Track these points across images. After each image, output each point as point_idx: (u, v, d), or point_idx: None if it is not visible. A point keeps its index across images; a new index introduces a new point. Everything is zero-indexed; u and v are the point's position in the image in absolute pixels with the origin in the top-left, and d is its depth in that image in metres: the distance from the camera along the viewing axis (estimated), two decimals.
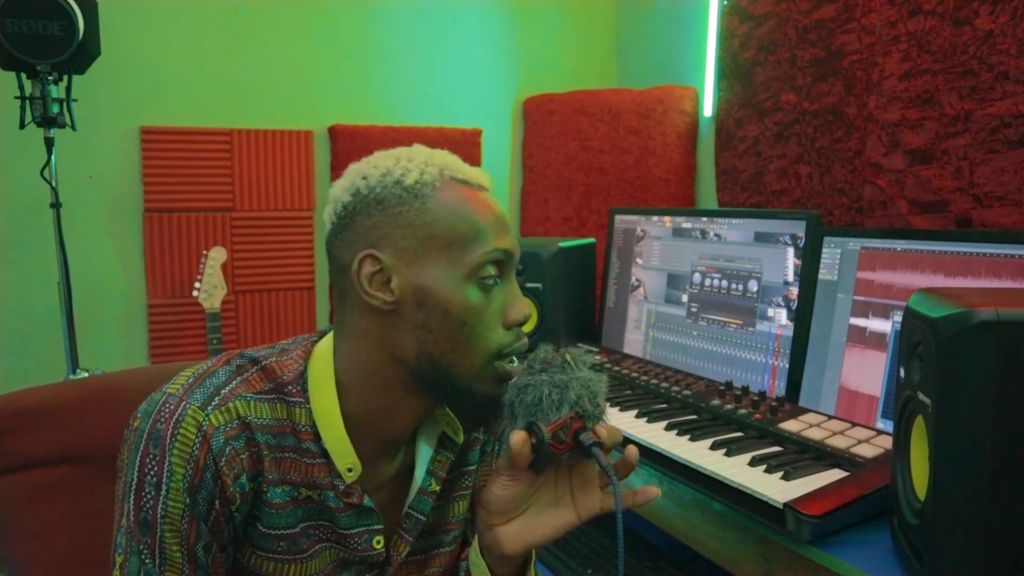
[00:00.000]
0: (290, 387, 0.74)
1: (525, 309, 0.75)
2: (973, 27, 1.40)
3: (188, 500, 0.68)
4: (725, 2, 2.10)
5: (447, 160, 0.75)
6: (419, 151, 0.76)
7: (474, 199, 0.73)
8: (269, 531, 0.74)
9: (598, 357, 1.78)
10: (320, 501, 0.76)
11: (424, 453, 0.84)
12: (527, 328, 1.91)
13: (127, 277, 2.17)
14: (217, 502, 0.70)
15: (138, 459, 0.69)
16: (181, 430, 0.68)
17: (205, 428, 0.69)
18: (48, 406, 0.96)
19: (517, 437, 0.67)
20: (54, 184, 1.82)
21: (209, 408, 0.70)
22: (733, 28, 2.06)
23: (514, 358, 0.75)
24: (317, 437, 0.74)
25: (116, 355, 2.17)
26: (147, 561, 0.69)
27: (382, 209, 0.71)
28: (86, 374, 1.85)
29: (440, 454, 0.84)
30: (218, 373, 0.73)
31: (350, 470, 0.75)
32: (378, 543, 0.79)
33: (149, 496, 0.68)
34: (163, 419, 0.69)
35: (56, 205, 1.83)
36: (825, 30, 1.75)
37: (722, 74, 2.12)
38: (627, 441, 1.25)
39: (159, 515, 0.68)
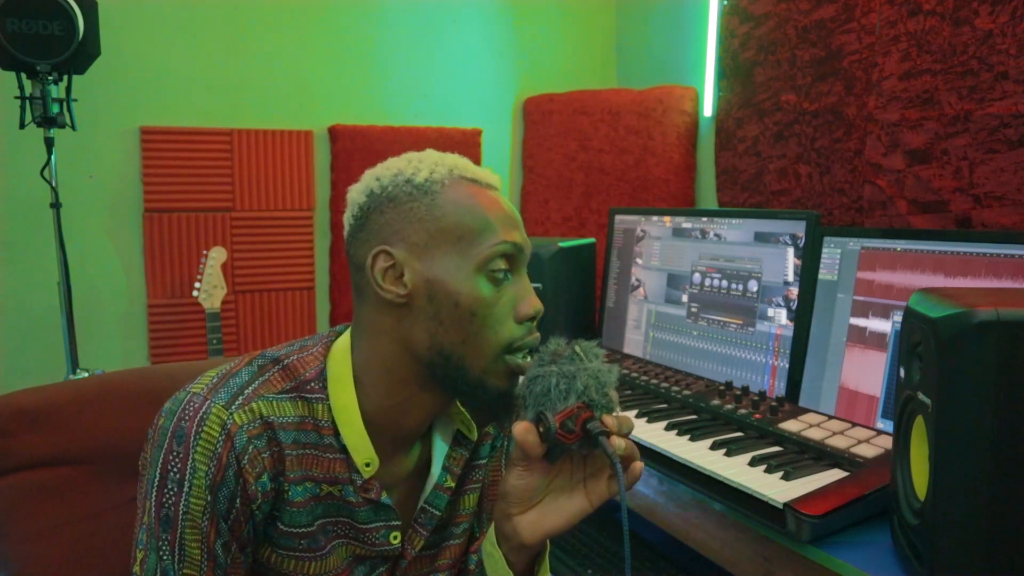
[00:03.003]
0: (312, 384, 0.76)
1: (536, 304, 0.76)
2: (973, 27, 1.40)
3: (209, 497, 0.70)
4: (725, 2, 2.10)
5: (457, 161, 0.78)
6: (430, 154, 0.79)
7: (482, 195, 0.76)
8: (290, 530, 0.76)
9: None
10: (340, 497, 0.78)
11: (440, 449, 0.86)
12: None
13: (127, 277, 2.17)
14: (238, 500, 0.71)
15: (162, 456, 0.70)
16: (205, 428, 0.70)
17: (229, 426, 0.70)
18: (47, 406, 0.95)
19: (519, 427, 0.69)
20: (54, 184, 1.82)
21: (233, 407, 0.71)
22: (733, 28, 2.06)
23: (527, 354, 0.76)
24: (336, 433, 0.76)
25: (116, 355, 2.17)
26: (165, 557, 0.70)
27: (394, 207, 0.75)
28: (86, 374, 1.85)
29: (455, 451, 0.86)
30: (241, 373, 0.75)
31: (368, 465, 0.77)
32: (395, 538, 0.81)
33: (172, 492, 0.69)
34: (187, 417, 0.71)
35: (56, 205, 1.83)
36: (825, 30, 1.75)
37: (722, 74, 2.12)
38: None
39: (181, 512, 0.69)
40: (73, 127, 1.80)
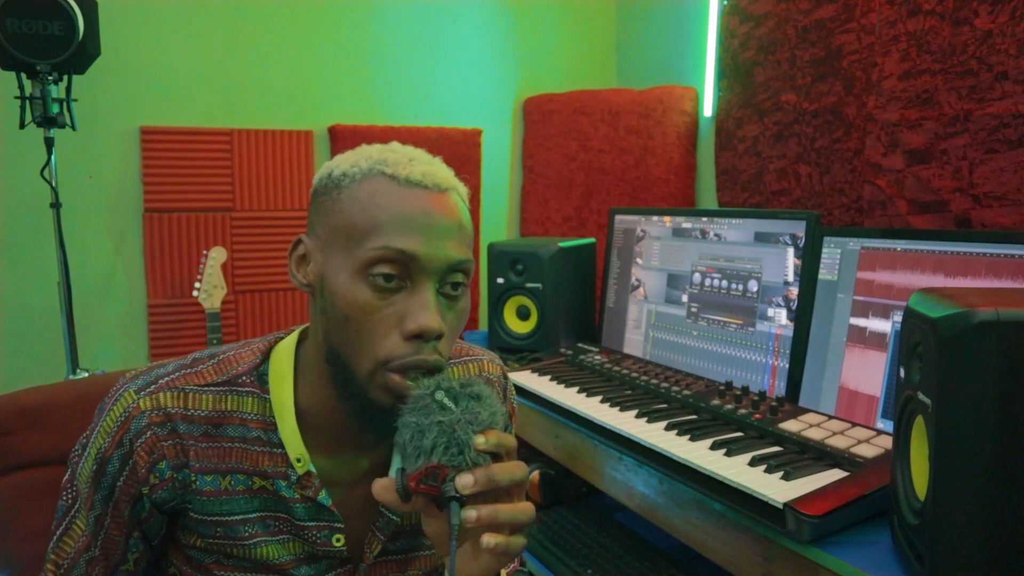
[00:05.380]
0: (243, 378, 0.78)
1: (425, 321, 0.68)
2: (972, 27, 1.40)
3: (95, 468, 0.75)
4: (725, 2, 2.10)
5: (392, 156, 0.73)
6: (376, 148, 0.75)
7: (391, 194, 0.70)
8: (204, 517, 0.77)
9: (598, 357, 1.78)
10: (273, 491, 0.78)
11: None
12: (526, 328, 1.91)
13: (127, 277, 2.17)
14: (121, 480, 0.74)
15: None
16: (114, 407, 0.75)
17: (131, 410, 0.74)
18: (48, 406, 0.97)
19: (376, 484, 0.68)
20: (54, 184, 1.82)
21: (142, 394, 0.75)
22: (733, 28, 2.06)
23: (416, 375, 0.70)
24: (269, 427, 0.77)
25: (116, 355, 2.17)
26: (67, 499, 0.78)
27: (315, 199, 0.75)
28: (86, 374, 1.85)
29: None
30: (168, 366, 0.78)
31: (299, 460, 0.77)
32: (338, 541, 0.80)
33: (76, 454, 0.78)
34: (110, 395, 0.77)
35: (56, 205, 1.82)
36: (825, 30, 1.75)
37: (722, 74, 2.12)
38: (627, 441, 1.26)
39: (78, 472, 0.77)
40: (73, 127, 1.80)
